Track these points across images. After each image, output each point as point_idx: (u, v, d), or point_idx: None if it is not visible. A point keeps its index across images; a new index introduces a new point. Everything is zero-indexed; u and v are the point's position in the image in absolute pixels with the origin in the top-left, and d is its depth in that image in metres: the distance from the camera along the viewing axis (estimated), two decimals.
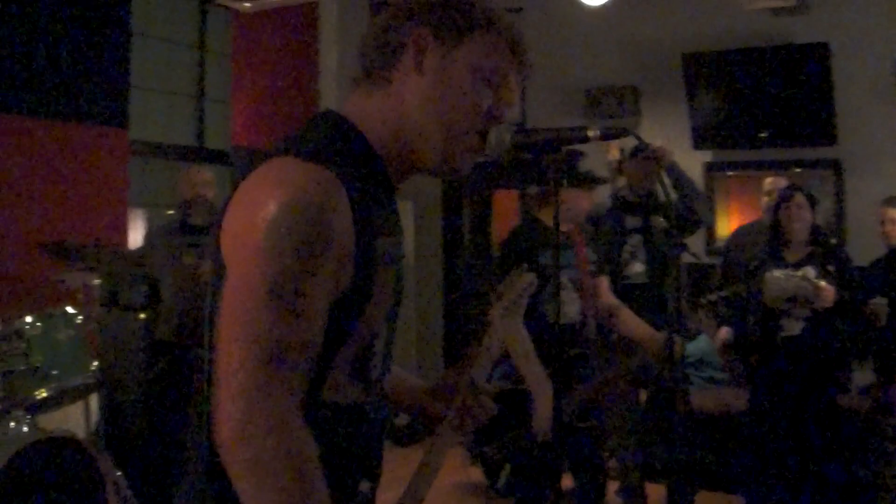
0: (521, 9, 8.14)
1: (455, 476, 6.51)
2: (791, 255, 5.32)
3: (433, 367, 8.59)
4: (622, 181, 6.14)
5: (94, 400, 5.20)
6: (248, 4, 7.39)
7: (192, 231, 5.55)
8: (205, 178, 5.67)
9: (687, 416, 5.59)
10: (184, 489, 1.69)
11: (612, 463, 5.46)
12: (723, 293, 5.50)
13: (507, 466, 4.51)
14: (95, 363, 4.94)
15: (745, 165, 7.56)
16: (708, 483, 5.88)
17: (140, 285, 5.60)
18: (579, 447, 4.56)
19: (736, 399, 6.12)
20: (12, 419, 4.41)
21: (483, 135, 1.76)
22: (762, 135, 7.23)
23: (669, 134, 7.30)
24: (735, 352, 5.63)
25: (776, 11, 7.17)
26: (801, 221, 5.24)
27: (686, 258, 5.82)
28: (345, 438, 1.67)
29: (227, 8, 7.86)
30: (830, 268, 5.19)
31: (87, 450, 4.51)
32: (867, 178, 6.98)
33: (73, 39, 6.61)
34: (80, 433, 4.87)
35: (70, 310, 5.04)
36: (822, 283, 4.96)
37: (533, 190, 6.72)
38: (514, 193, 8.68)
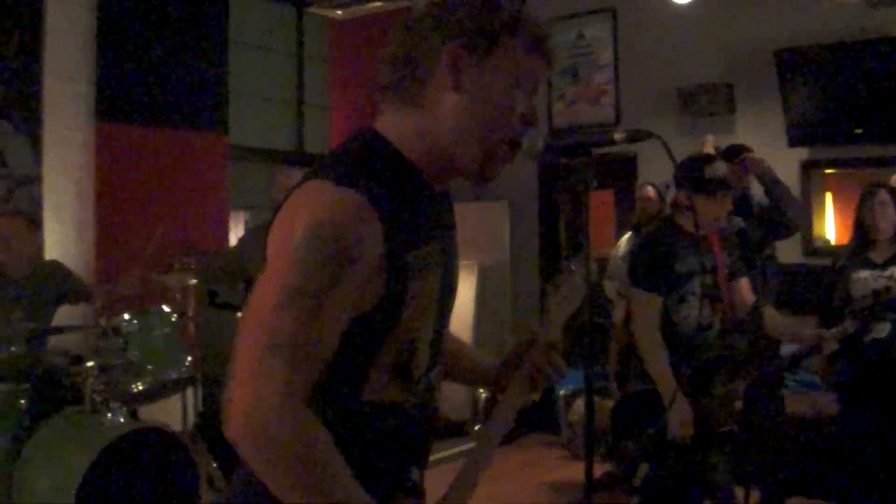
0: (614, 10, 8.16)
1: (557, 473, 6.58)
2: (877, 255, 5.13)
3: None
4: None
5: (191, 395, 5.41)
6: (340, 12, 7.55)
7: None
8: (296, 181, 5.80)
9: (780, 419, 5.48)
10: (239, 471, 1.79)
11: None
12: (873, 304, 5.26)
13: (644, 466, 4.48)
14: (189, 359, 5.14)
15: (843, 163, 7.41)
16: (799, 489, 5.76)
17: (236, 285, 5.78)
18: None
19: (829, 403, 5.97)
20: (110, 410, 4.64)
21: (516, 141, 1.81)
22: (858, 131, 7.08)
23: (764, 132, 7.22)
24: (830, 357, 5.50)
25: (871, 3, 7.02)
26: (885, 220, 5.07)
27: (781, 259, 5.75)
28: (384, 432, 1.76)
29: (322, 16, 8.04)
30: None
31: (182, 441, 4.70)
32: None
33: (174, 49, 6.87)
34: (177, 426, 5.08)
35: (166, 308, 5.28)
36: None
37: (650, 192, 6.79)
38: (610, 193, 8.67)
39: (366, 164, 1.70)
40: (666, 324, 4.33)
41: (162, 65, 6.80)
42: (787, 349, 6.27)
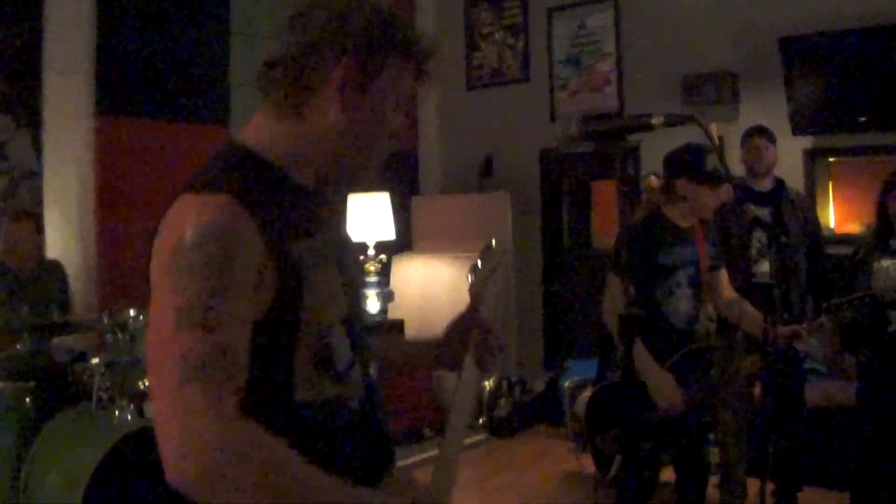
0: None
1: (565, 465, 6.55)
2: None
3: (534, 359, 8.61)
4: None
5: None
6: None
7: None
8: None
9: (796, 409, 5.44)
10: None
11: (713, 457, 5.40)
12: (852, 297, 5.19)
13: (618, 458, 4.50)
14: None
15: (847, 151, 7.38)
16: (812, 478, 5.73)
17: None
18: (686, 441, 4.54)
19: (840, 392, 5.94)
20: (118, 407, 4.59)
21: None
22: (863, 119, 7.06)
23: (768, 120, 7.17)
24: (843, 345, 5.47)
25: None
26: None
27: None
28: (331, 432, 1.71)
29: None
30: None
31: None
32: None
33: (175, 41, 6.84)
34: None
35: None
36: None
37: (655, 182, 6.71)
38: (613, 183, 8.62)
39: (225, 169, 1.68)
40: (658, 317, 4.33)
41: (162, 57, 6.78)
42: None
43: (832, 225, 7.45)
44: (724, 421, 4.86)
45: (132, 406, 4.69)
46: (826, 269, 5.89)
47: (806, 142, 7.39)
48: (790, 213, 5.43)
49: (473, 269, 2.17)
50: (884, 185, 5.20)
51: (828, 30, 7.07)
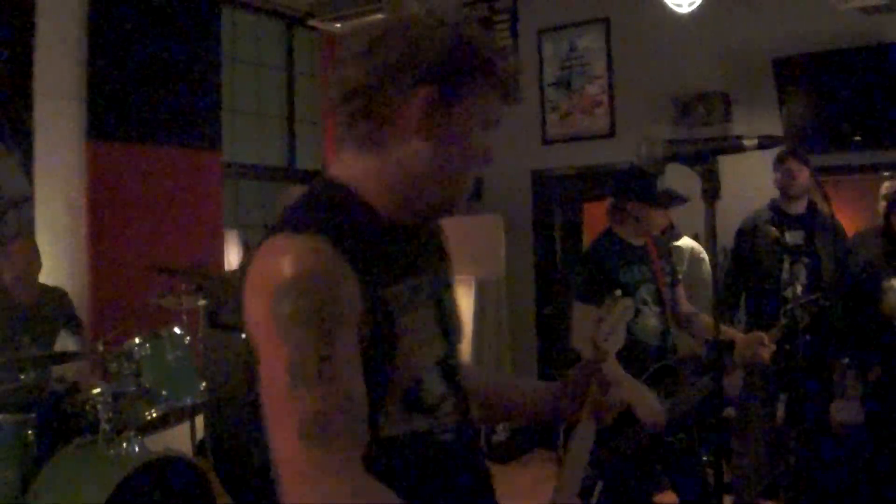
0: (607, 19, 8.09)
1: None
2: None
3: None
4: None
5: (198, 419, 5.26)
6: (338, 25, 7.44)
7: None
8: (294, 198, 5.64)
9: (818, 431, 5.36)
10: None
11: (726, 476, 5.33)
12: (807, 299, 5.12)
13: (600, 484, 4.43)
14: (203, 384, 4.99)
15: (840, 170, 7.38)
16: (818, 499, 5.65)
17: (239, 306, 5.65)
18: (676, 462, 4.48)
19: (843, 412, 5.85)
20: (123, 440, 4.48)
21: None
22: (857, 138, 7.07)
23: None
24: (850, 366, 5.40)
25: (868, 11, 7.00)
26: None
27: None
28: (422, 464, 1.68)
29: (313, 29, 7.93)
30: None
31: (199, 469, 4.55)
32: None
33: (166, 66, 6.76)
34: (187, 452, 4.93)
35: (177, 331, 5.11)
36: None
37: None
38: (605, 205, 8.59)
39: (323, 209, 1.63)
40: (628, 339, 4.25)
41: (154, 82, 6.68)
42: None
43: None
44: (740, 443, 4.82)
45: (139, 438, 4.58)
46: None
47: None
48: (822, 236, 5.37)
49: (599, 320, 2.15)
50: (889, 203, 5.16)
51: (821, 50, 7.08)
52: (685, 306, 4.63)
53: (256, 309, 1.52)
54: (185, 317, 5.34)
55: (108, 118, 6.42)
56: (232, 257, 7.18)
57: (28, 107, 6.05)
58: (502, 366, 8.18)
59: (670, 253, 4.68)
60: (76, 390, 4.99)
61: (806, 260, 5.25)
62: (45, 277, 5.54)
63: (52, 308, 5.29)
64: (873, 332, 4.93)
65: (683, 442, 4.41)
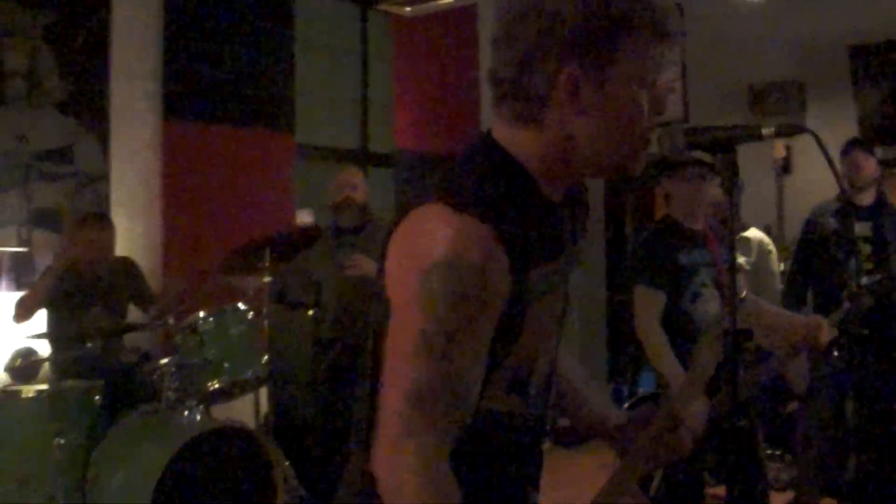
0: (680, 5, 8.02)
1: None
2: None
3: (596, 371, 8.51)
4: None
5: (263, 392, 5.35)
6: (409, 9, 7.50)
7: (343, 233, 5.56)
8: (351, 180, 5.68)
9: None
10: (339, 495, 1.76)
11: (785, 474, 5.25)
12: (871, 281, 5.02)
13: (660, 472, 4.40)
14: (266, 357, 5.07)
15: None
16: (883, 500, 5.50)
17: (306, 285, 5.73)
18: (731, 452, 4.42)
19: None
20: (186, 409, 4.59)
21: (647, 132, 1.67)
22: None
23: (836, 130, 7.04)
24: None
25: None
26: None
27: None
28: (505, 442, 1.69)
29: (387, 13, 8.00)
30: None
31: (259, 440, 4.64)
32: None
33: (241, 47, 6.85)
34: (250, 424, 5.03)
35: (241, 306, 5.21)
36: None
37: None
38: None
39: (489, 183, 1.58)
40: (687, 322, 4.22)
41: (228, 63, 6.79)
42: None
43: None
44: (804, 438, 4.75)
45: (201, 408, 4.69)
46: None
47: (875, 152, 7.25)
48: (891, 227, 5.29)
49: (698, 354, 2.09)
50: None
51: None
52: (745, 294, 4.57)
53: (404, 274, 1.52)
54: (250, 293, 5.42)
55: (183, 98, 6.55)
56: None
57: (105, 87, 6.18)
58: (572, 351, 8.15)
59: (730, 240, 4.61)
60: (145, 360, 5.13)
61: (872, 251, 5.18)
62: (119, 252, 5.67)
63: (122, 281, 5.42)
64: None
65: (742, 431, 4.36)
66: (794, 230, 5.92)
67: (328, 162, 7.90)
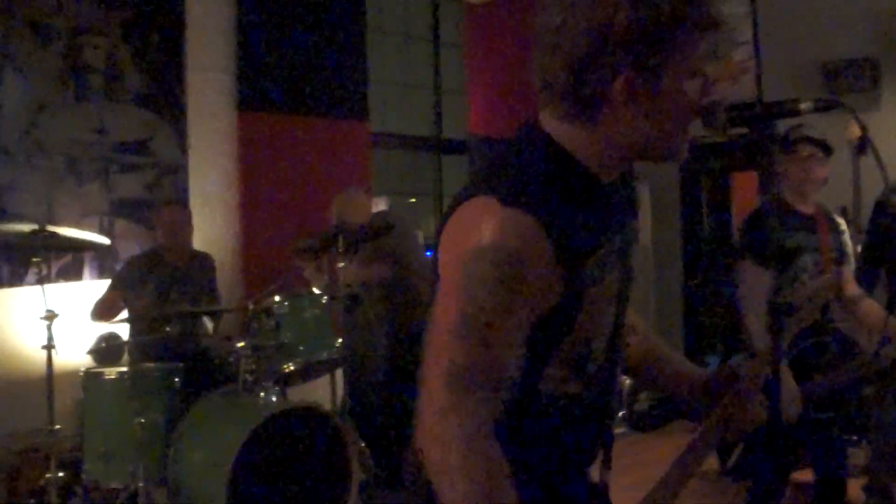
0: None
1: (705, 462, 6.40)
2: None
3: None
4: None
5: (339, 375, 5.44)
6: None
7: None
8: (359, 203, 5.88)
9: None
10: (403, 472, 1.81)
11: (862, 459, 5.15)
12: None
13: (740, 446, 4.36)
14: (339, 340, 5.15)
15: None
16: None
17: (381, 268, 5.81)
18: (819, 439, 4.38)
19: None
20: (262, 390, 4.69)
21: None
22: None
23: None
24: None
25: None
26: None
27: None
28: (562, 423, 1.72)
29: (458, 1, 8.02)
30: None
31: (334, 420, 4.72)
32: None
33: (314, 38, 6.93)
34: (326, 405, 5.11)
35: (316, 290, 5.32)
36: None
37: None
38: (754, 175, 8.44)
39: (539, 176, 1.61)
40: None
41: (301, 54, 6.86)
42: None
43: None
44: (876, 423, 4.66)
45: (277, 388, 4.79)
46: None
47: None
48: None
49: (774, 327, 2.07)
50: None
51: None
52: (851, 289, 4.46)
53: (450, 256, 1.60)
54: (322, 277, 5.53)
55: (257, 90, 6.64)
56: None
57: (181, 79, 6.30)
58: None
59: (841, 231, 4.54)
60: (223, 343, 5.25)
61: None
62: (198, 244, 5.79)
63: (200, 270, 5.55)
64: None
65: (831, 421, 4.31)
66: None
67: (402, 150, 7.97)
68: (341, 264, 5.32)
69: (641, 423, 7.30)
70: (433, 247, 1.69)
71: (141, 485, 4.39)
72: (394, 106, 7.97)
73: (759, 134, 1.70)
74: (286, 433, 4.52)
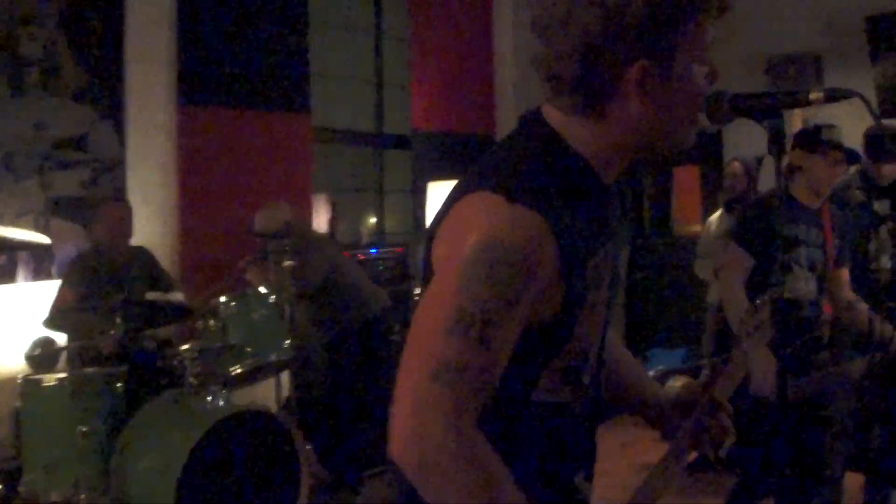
0: None
1: (651, 456, 6.42)
2: None
3: None
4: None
5: (284, 377, 5.35)
6: None
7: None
8: (281, 216, 5.76)
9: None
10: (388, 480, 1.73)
11: None
12: None
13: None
14: (288, 341, 5.06)
15: None
16: None
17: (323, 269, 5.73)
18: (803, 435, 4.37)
19: None
20: (209, 394, 4.58)
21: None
22: None
23: (853, 104, 6.96)
24: None
25: None
26: None
27: None
28: (550, 433, 1.68)
29: None
30: None
31: (283, 423, 4.63)
32: None
33: (255, 31, 6.81)
34: (272, 408, 5.02)
35: (263, 290, 5.21)
36: None
37: (738, 168, 6.58)
38: (695, 169, 8.49)
39: (544, 173, 1.56)
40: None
41: (242, 46, 6.74)
42: None
43: None
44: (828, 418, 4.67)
45: (224, 392, 4.68)
46: None
47: (893, 124, 7.18)
48: None
49: (745, 321, 2.10)
50: None
51: None
52: (846, 292, 4.47)
53: (448, 250, 1.53)
54: (272, 277, 5.42)
55: (198, 83, 6.51)
56: (320, 221, 7.24)
57: (120, 72, 6.15)
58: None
59: (845, 234, 4.52)
60: (167, 346, 5.11)
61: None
62: (136, 240, 5.66)
63: (140, 267, 5.42)
64: None
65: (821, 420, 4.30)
66: None
67: (343, 145, 7.88)
68: (287, 263, 5.23)
69: None
70: (404, 244, 1.62)
71: (84, 496, 4.25)
72: (336, 100, 7.87)
73: (770, 125, 1.61)
74: (234, 438, 4.43)
